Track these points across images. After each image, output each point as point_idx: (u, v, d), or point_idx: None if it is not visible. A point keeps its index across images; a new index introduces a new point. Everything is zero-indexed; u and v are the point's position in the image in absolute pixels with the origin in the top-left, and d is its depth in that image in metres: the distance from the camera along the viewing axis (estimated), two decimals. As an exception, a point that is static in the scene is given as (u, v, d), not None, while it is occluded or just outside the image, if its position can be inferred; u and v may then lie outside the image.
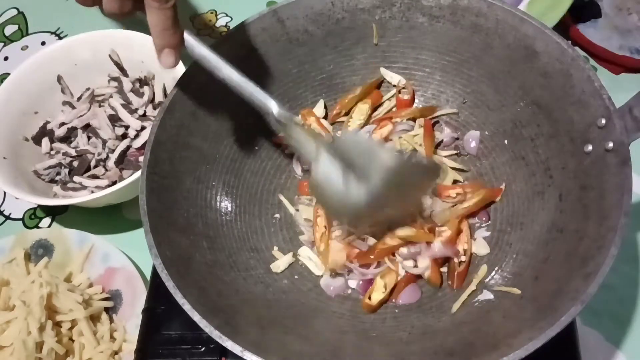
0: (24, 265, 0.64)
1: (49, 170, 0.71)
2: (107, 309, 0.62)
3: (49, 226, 0.73)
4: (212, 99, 0.60)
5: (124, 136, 0.72)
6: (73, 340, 0.60)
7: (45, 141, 0.73)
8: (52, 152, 0.73)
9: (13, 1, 0.96)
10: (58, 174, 0.71)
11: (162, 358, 0.55)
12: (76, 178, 0.69)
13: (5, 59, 0.90)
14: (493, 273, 0.56)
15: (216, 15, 0.91)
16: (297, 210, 0.63)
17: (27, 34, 0.92)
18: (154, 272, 0.60)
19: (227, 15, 0.91)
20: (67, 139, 0.73)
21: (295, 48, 0.63)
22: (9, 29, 0.93)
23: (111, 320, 0.62)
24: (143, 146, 0.69)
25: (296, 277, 0.59)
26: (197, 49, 0.51)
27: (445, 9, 0.60)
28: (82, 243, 0.66)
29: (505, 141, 0.61)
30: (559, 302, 0.45)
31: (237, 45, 0.61)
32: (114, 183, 0.68)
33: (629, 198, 0.45)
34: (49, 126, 0.73)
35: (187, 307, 0.46)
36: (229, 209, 0.61)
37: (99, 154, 0.70)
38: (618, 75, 0.77)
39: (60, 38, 0.91)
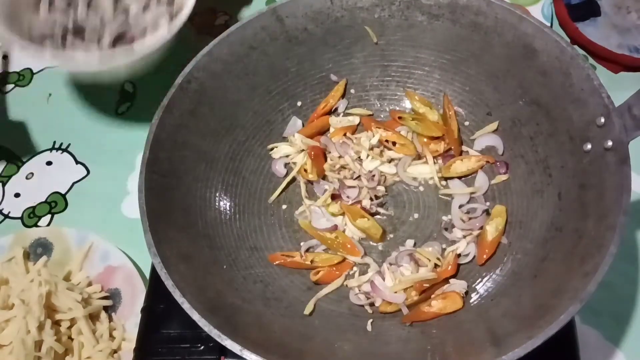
0: (23, 264, 0.64)
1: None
2: (106, 308, 0.62)
3: (48, 225, 0.73)
4: (211, 98, 0.60)
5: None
6: (72, 339, 0.60)
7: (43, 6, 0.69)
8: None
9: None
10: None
11: (161, 357, 0.55)
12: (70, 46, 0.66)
13: (5, 58, 0.90)
14: (492, 272, 0.56)
15: (215, 14, 0.91)
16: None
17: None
18: (153, 271, 0.60)
19: (226, 14, 0.91)
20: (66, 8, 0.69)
21: (295, 46, 0.63)
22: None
23: (110, 319, 0.62)
24: (143, 33, 0.67)
25: (296, 275, 0.59)
26: None
27: (445, 8, 0.60)
28: (81, 242, 0.66)
29: (505, 140, 0.61)
30: (558, 300, 0.45)
31: (236, 43, 0.61)
32: None
33: (628, 197, 0.45)
34: None
35: (186, 305, 0.46)
36: (228, 207, 0.61)
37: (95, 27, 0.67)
38: (617, 74, 0.77)
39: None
